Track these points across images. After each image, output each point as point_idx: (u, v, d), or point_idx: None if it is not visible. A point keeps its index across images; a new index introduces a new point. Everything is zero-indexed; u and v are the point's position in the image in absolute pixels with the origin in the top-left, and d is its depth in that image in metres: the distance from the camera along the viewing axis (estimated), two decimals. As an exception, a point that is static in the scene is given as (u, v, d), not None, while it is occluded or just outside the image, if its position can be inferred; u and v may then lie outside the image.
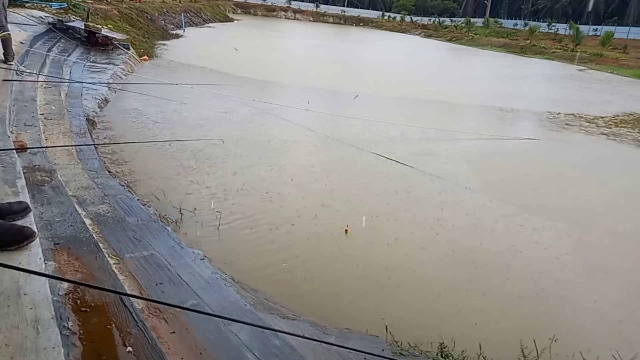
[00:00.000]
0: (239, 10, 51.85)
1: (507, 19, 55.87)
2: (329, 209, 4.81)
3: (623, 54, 28.21)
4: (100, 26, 13.07)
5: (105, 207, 3.55)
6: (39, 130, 4.74)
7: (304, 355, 2.33)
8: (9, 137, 3.69)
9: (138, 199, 4.19)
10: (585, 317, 3.53)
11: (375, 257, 3.99)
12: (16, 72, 6.24)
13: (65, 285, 2.25)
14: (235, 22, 38.50)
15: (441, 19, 54.26)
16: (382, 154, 6.61)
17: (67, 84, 7.63)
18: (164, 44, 17.46)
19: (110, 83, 8.85)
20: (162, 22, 23.15)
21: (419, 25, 51.39)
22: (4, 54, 6.47)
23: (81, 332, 1.98)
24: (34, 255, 1.98)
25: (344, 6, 64.09)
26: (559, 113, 11.51)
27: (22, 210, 2.30)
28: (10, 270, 1.84)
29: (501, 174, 6.69)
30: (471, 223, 4.81)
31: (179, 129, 6.97)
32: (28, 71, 6.70)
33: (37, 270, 1.88)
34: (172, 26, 23.83)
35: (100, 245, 2.79)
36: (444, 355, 2.74)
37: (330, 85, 12.98)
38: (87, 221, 3.14)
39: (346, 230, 4.33)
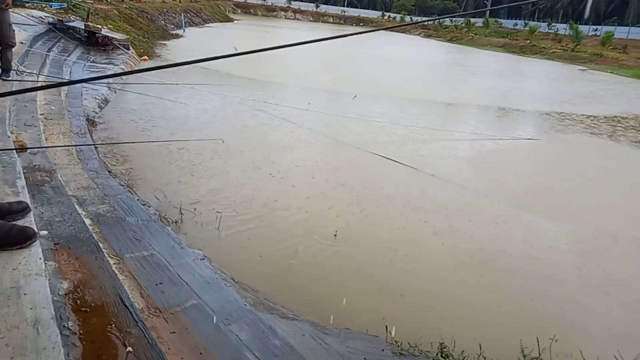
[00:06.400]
0: (239, 10, 51.88)
1: (507, 19, 55.87)
2: (329, 209, 4.81)
3: (623, 54, 28.22)
4: (100, 26, 13.07)
5: (105, 207, 3.55)
6: (39, 130, 4.74)
7: (304, 355, 2.33)
8: (9, 137, 3.69)
9: (138, 199, 4.19)
10: (585, 318, 3.53)
11: (374, 257, 3.99)
12: (16, 72, 6.24)
13: (65, 285, 2.25)
14: (235, 22, 38.51)
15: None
16: (382, 154, 6.61)
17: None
18: (164, 44, 17.46)
19: (110, 83, 8.84)
20: (162, 22, 23.16)
21: (419, 26, 51.40)
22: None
23: (81, 332, 1.98)
24: (33, 255, 1.98)
25: (344, 6, 64.12)
26: (559, 113, 11.52)
27: (22, 210, 2.30)
28: (10, 270, 1.85)
29: (501, 174, 6.69)
30: (471, 223, 4.81)
31: (179, 129, 6.97)
32: (28, 71, 6.70)
33: (36, 270, 1.88)
34: (172, 26, 23.83)
35: (100, 245, 2.79)
36: (444, 355, 2.74)
37: (330, 86, 12.99)
38: (87, 221, 3.14)
39: (334, 235, 4.29)
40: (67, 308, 2.10)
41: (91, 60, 10.72)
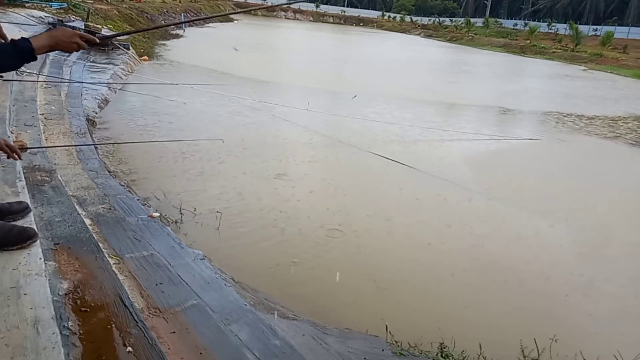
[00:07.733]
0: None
1: (507, 19, 55.88)
2: (330, 209, 4.80)
3: (623, 54, 28.22)
4: (100, 26, 13.08)
5: (105, 207, 3.55)
6: (39, 130, 4.75)
7: (304, 355, 2.33)
8: (9, 137, 3.69)
9: (138, 199, 4.19)
10: (586, 318, 3.53)
11: (374, 258, 3.99)
12: (16, 72, 6.24)
13: (65, 285, 2.25)
14: (235, 22, 38.49)
15: (441, 19, 54.27)
16: (382, 153, 6.61)
17: (67, 84, 7.63)
18: (164, 44, 17.45)
19: (110, 83, 8.85)
20: (162, 22, 23.16)
21: (419, 26, 51.39)
22: None
23: (81, 332, 1.98)
24: (33, 255, 1.98)
25: (343, 6, 64.12)
26: (560, 113, 11.52)
27: (22, 210, 2.30)
28: (11, 270, 1.85)
29: (502, 174, 6.69)
30: (472, 223, 4.81)
31: (179, 129, 6.97)
32: (28, 71, 6.70)
33: (36, 270, 1.88)
34: (172, 26, 23.83)
35: (100, 245, 2.79)
36: (444, 355, 2.74)
37: (330, 86, 12.98)
38: (87, 221, 3.14)
39: (334, 235, 4.27)
40: (67, 308, 2.09)
41: (91, 60, 10.71)
